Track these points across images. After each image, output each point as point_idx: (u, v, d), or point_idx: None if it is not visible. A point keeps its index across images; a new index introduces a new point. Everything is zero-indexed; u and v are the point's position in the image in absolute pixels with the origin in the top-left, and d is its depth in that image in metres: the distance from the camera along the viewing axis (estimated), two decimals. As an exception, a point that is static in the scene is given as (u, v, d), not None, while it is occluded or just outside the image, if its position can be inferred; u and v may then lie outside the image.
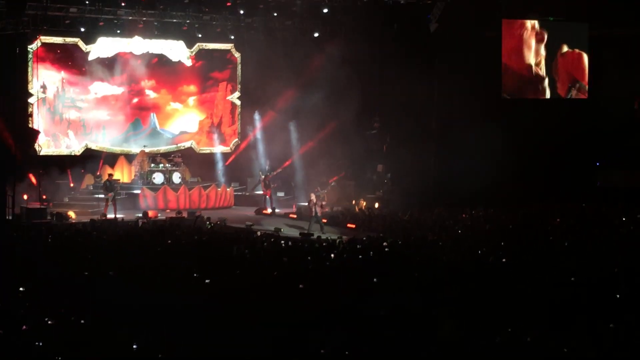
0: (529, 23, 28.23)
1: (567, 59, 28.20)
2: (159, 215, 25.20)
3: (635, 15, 27.93)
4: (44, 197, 26.55)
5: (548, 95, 28.61)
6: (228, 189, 30.20)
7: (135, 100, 30.60)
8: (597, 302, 11.93)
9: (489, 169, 26.26)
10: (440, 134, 28.66)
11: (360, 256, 16.25)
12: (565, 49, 28.20)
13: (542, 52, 28.57)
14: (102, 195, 26.90)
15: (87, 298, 12.03)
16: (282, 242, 18.89)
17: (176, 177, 29.47)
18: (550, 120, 29.03)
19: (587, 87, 28.69)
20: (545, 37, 28.31)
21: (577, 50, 28.23)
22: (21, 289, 12.43)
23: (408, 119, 28.56)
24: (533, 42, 28.35)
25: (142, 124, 30.79)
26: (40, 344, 9.62)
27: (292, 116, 31.45)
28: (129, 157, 30.30)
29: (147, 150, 30.02)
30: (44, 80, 28.68)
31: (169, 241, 18.12)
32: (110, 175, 27.49)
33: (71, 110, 29.42)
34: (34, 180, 26.98)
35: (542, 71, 28.62)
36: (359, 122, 30.64)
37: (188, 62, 31.22)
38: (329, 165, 30.66)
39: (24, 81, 27.89)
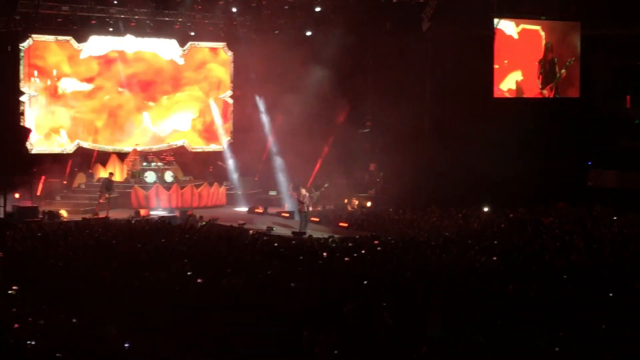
0: (521, 23, 28.31)
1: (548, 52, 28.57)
2: (151, 214, 25.14)
3: (627, 14, 27.98)
4: (40, 191, 26.51)
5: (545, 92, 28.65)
6: (220, 188, 30.17)
7: (127, 98, 30.46)
8: (588, 301, 11.98)
9: (481, 169, 26.28)
10: (432, 133, 28.66)
11: (353, 254, 16.27)
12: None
13: (534, 51, 28.65)
14: (98, 194, 26.78)
15: (79, 297, 12.04)
16: (274, 241, 18.91)
17: (168, 176, 29.41)
18: (542, 120, 29.07)
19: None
20: (540, 36, 28.41)
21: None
22: (14, 287, 12.42)
23: (400, 118, 28.56)
24: (526, 41, 28.43)
25: (134, 122, 30.68)
26: (32, 342, 9.61)
27: (283, 114, 31.40)
28: (121, 156, 30.21)
29: (139, 148, 29.94)
30: (36, 78, 28.57)
31: (162, 240, 18.10)
32: (111, 174, 27.53)
33: (63, 108, 29.29)
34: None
35: (535, 70, 28.69)
36: (351, 120, 30.62)
37: (180, 61, 31.16)
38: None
39: (15, 79, 27.76)
